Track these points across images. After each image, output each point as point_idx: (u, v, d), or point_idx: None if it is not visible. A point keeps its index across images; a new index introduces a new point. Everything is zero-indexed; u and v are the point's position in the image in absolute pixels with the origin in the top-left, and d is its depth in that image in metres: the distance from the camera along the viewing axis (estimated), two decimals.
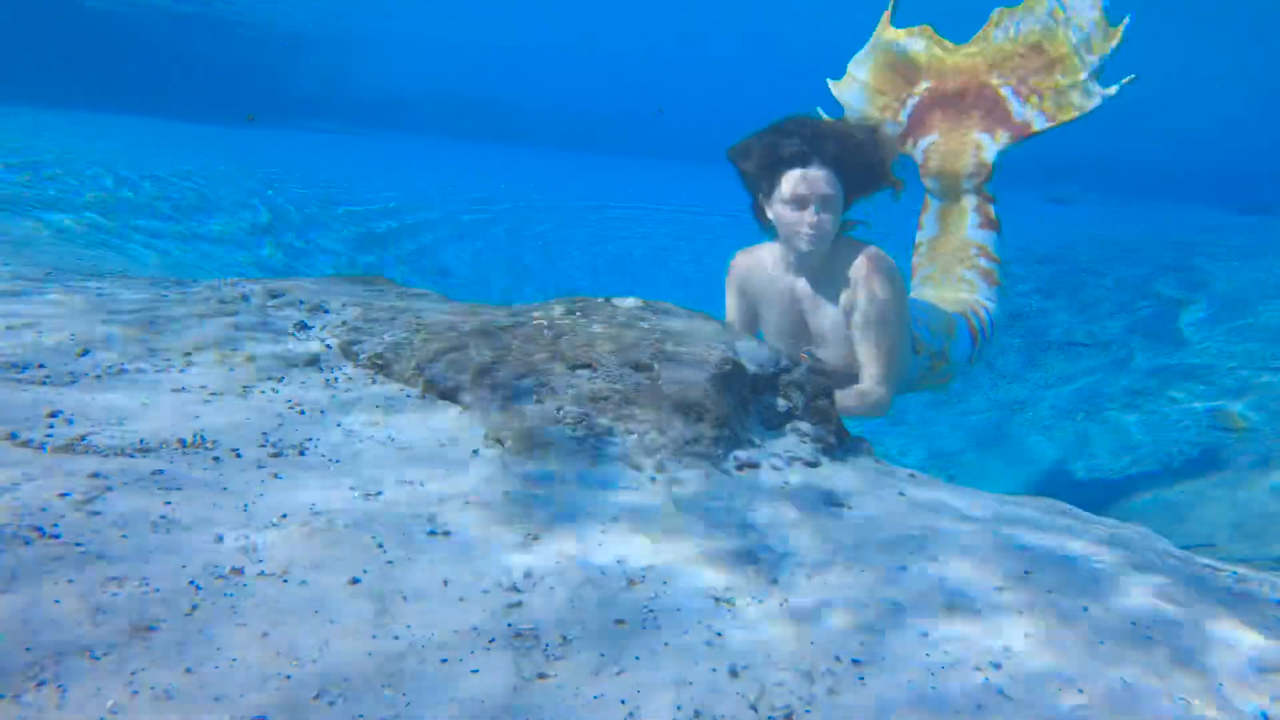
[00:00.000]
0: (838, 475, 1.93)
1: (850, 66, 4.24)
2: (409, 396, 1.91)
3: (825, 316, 3.03)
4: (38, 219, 6.94)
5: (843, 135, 2.96)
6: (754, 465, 1.85)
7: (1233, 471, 4.57)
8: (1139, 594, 1.47)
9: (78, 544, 1.24)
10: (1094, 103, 3.81)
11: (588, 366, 1.96)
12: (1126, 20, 3.75)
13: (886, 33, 4.15)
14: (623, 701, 1.07)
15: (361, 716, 1.00)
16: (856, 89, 4.22)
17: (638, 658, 1.16)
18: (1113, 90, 3.79)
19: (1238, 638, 1.34)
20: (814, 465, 1.95)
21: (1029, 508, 1.93)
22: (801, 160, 2.89)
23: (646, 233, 13.93)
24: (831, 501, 1.73)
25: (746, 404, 2.07)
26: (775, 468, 1.88)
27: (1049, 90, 3.88)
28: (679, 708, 1.07)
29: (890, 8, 4.14)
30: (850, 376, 3.01)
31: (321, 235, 9.99)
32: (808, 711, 1.09)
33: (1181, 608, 1.43)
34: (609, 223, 14.10)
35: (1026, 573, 1.51)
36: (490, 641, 1.16)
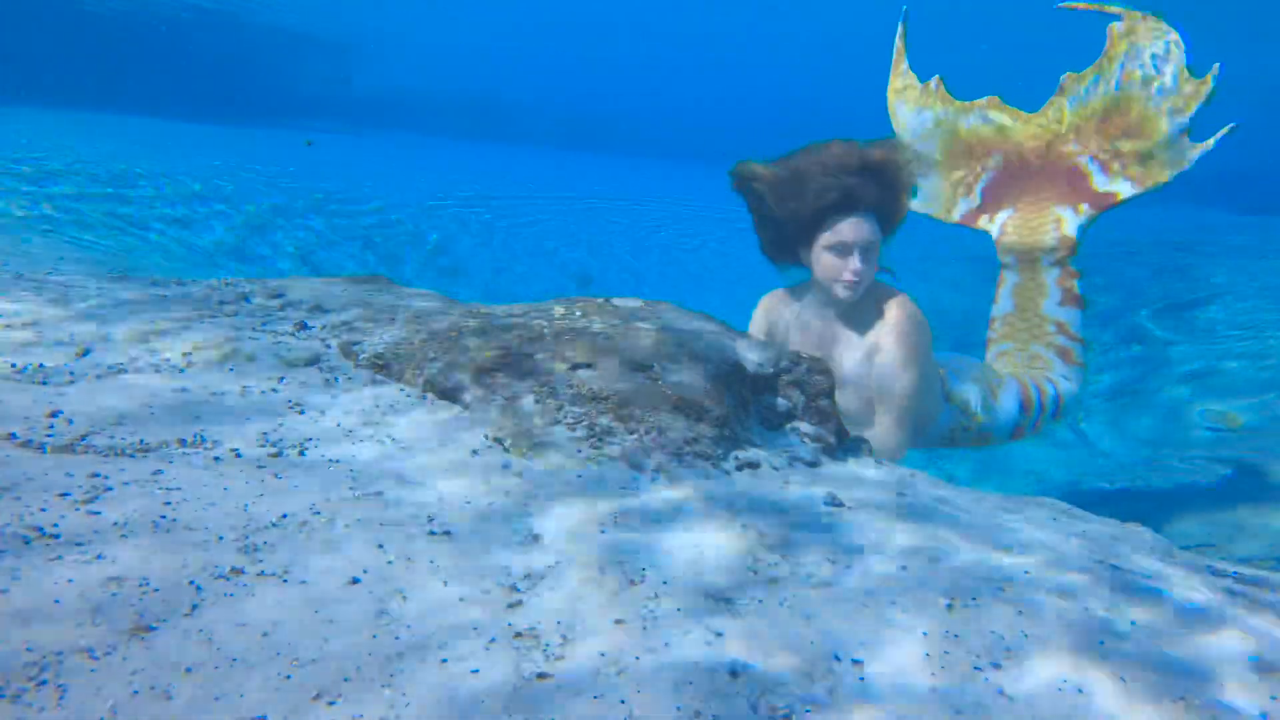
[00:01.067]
0: (837, 475, 1.94)
1: (908, 139, 4.04)
2: (409, 396, 1.91)
3: (849, 360, 2.98)
4: (39, 219, 6.94)
5: (882, 177, 2.86)
6: (754, 465, 1.85)
7: (1233, 471, 4.58)
8: (1139, 595, 1.47)
9: (78, 544, 1.24)
10: (1187, 162, 3.53)
11: (588, 366, 1.96)
12: (1216, 69, 3.45)
13: (952, 106, 3.97)
14: (622, 701, 1.07)
15: (361, 716, 1.00)
16: (928, 165, 4.04)
17: (638, 658, 1.16)
18: (1209, 144, 3.50)
19: (1238, 637, 1.34)
20: (814, 465, 1.95)
21: (1030, 508, 1.93)
22: (847, 208, 2.81)
23: (649, 230, 13.93)
24: (831, 501, 1.73)
25: (746, 404, 2.07)
26: (775, 467, 1.88)
27: (1133, 155, 3.62)
28: (679, 708, 1.07)
29: (935, 80, 3.98)
30: (869, 421, 2.98)
31: (322, 235, 9.99)
32: (808, 711, 1.09)
33: (1181, 608, 1.43)
34: (611, 221, 14.10)
35: (1026, 573, 1.51)
36: (490, 641, 1.16)
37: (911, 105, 4.04)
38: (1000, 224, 3.86)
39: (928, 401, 3.06)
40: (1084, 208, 3.71)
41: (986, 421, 3.39)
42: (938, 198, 4.04)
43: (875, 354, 2.92)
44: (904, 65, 4.04)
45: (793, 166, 2.87)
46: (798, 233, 2.91)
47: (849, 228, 2.82)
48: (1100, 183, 3.70)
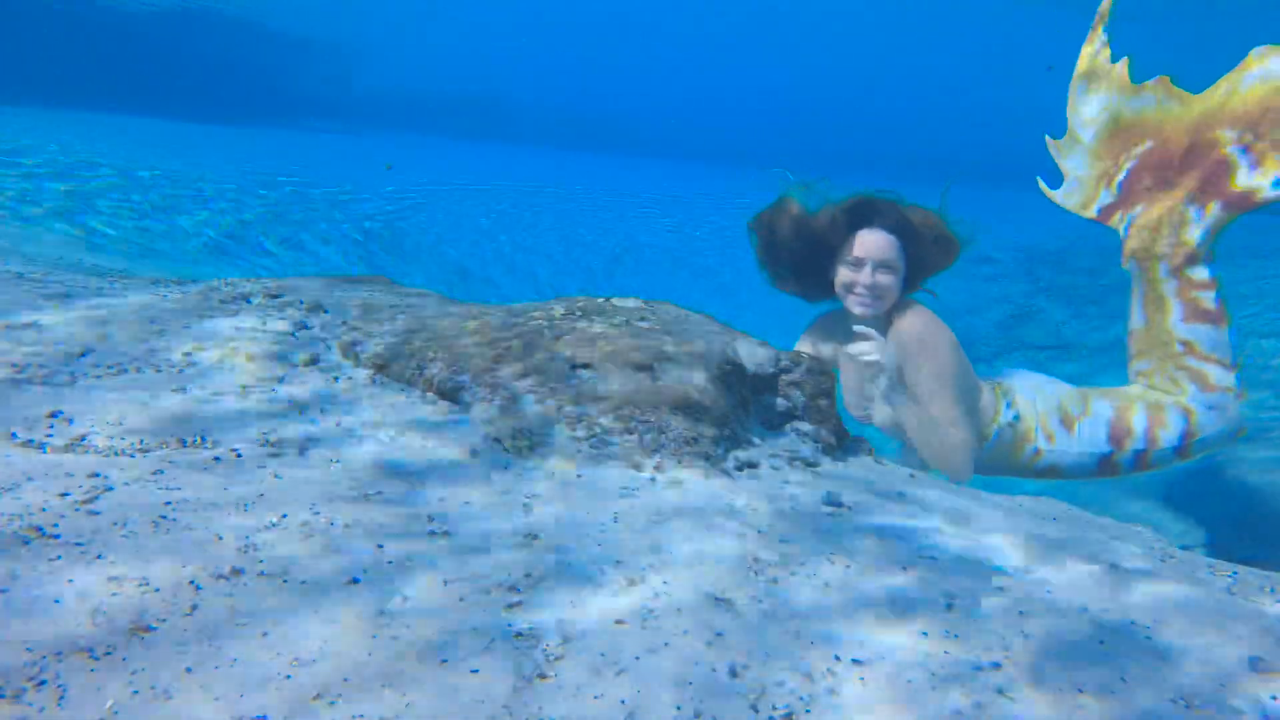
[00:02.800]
0: (837, 475, 1.93)
1: (1073, 122, 3.62)
2: (409, 396, 1.91)
3: (878, 380, 2.97)
4: (39, 218, 6.94)
5: (906, 210, 2.92)
6: (754, 465, 1.85)
7: (1232, 472, 4.57)
8: (1140, 595, 1.47)
9: (78, 544, 1.24)
10: None
11: (588, 366, 1.96)
12: None
13: (1125, 91, 3.48)
14: (623, 701, 1.07)
15: (361, 716, 1.00)
16: (1080, 152, 3.60)
17: (638, 658, 1.16)
18: None
19: (1237, 638, 1.34)
20: (814, 465, 1.95)
21: (1029, 508, 1.93)
22: (862, 220, 2.88)
23: (653, 230, 13.93)
24: (831, 501, 1.73)
25: (746, 404, 2.07)
26: (775, 468, 1.88)
27: None
28: (679, 708, 1.07)
29: (1124, 61, 3.51)
30: (904, 438, 2.95)
31: (323, 235, 9.99)
32: (808, 711, 1.09)
33: (1181, 608, 1.43)
34: (614, 222, 14.10)
35: (1027, 573, 1.51)
36: (490, 641, 1.16)
37: (1092, 87, 3.56)
38: (1129, 225, 3.40)
39: (971, 399, 2.99)
40: (1214, 208, 3.19)
41: (1052, 452, 3.14)
42: (1080, 189, 3.60)
43: (903, 368, 2.91)
44: (1101, 36, 3.52)
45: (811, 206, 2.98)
46: (818, 250, 2.95)
47: (861, 239, 2.87)
48: (1244, 178, 3.14)
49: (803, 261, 3.00)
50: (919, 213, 2.94)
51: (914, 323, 2.87)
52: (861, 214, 2.89)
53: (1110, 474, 3.28)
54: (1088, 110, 3.58)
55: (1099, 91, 3.54)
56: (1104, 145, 3.55)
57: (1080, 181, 3.61)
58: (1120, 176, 3.45)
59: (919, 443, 2.82)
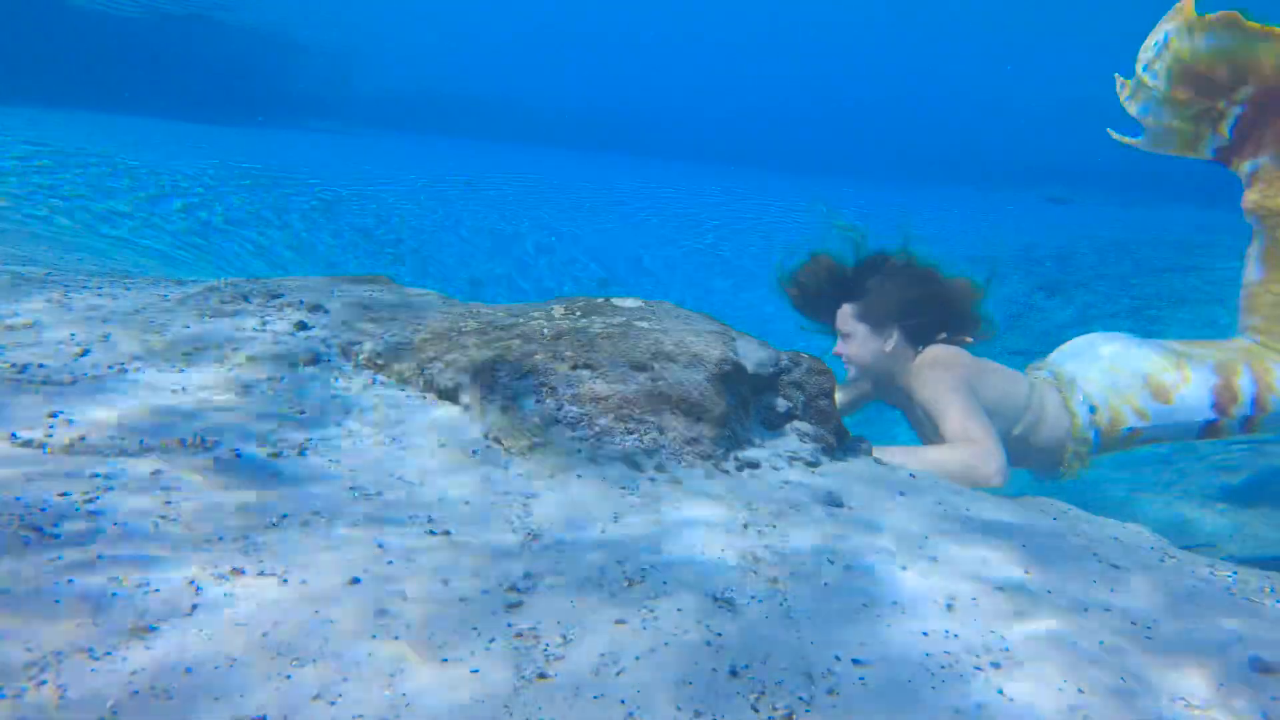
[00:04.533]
0: (838, 475, 1.93)
1: (1139, 66, 3.34)
2: (409, 396, 1.91)
3: (912, 426, 3.17)
4: (39, 218, 6.95)
5: (874, 271, 3.07)
6: (754, 465, 1.85)
7: (1233, 471, 4.57)
8: (1140, 595, 1.47)
9: (78, 544, 1.24)
10: None
11: (588, 366, 1.96)
12: None
13: (1190, 23, 3.18)
14: (622, 701, 1.07)
15: (362, 716, 1.00)
16: (1155, 99, 3.34)
17: (638, 658, 1.16)
18: None
19: (1238, 638, 1.34)
20: (814, 465, 1.95)
21: (1029, 508, 1.93)
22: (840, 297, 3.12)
23: (655, 231, 13.92)
24: (831, 501, 1.73)
25: (747, 404, 2.06)
26: (775, 468, 1.88)
27: None
28: (679, 708, 1.07)
29: None
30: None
31: (324, 234, 9.99)
32: (808, 711, 1.09)
33: (1181, 608, 1.43)
34: (614, 222, 14.09)
35: (1026, 572, 1.51)
36: (490, 641, 1.16)
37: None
38: (1250, 173, 3.19)
39: (1000, 414, 3.01)
40: None
41: (1150, 428, 3.05)
42: (1170, 137, 3.36)
43: (923, 406, 3.01)
44: None
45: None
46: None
47: (837, 314, 3.15)
48: None
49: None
50: (919, 273, 3.06)
51: (918, 371, 2.99)
52: (865, 275, 3.08)
53: (1214, 437, 3.17)
54: (1150, 45, 3.28)
55: (1159, 26, 3.25)
56: (1180, 87, 3.24)
57: (1168, 128, 3.34)
58: (1230, 120, 3.19)
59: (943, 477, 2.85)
